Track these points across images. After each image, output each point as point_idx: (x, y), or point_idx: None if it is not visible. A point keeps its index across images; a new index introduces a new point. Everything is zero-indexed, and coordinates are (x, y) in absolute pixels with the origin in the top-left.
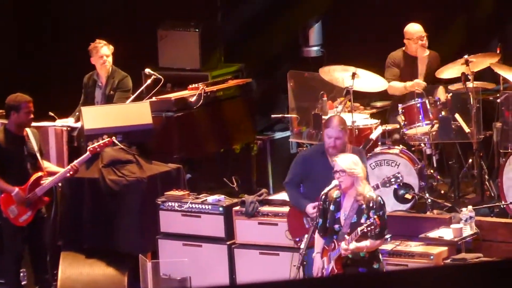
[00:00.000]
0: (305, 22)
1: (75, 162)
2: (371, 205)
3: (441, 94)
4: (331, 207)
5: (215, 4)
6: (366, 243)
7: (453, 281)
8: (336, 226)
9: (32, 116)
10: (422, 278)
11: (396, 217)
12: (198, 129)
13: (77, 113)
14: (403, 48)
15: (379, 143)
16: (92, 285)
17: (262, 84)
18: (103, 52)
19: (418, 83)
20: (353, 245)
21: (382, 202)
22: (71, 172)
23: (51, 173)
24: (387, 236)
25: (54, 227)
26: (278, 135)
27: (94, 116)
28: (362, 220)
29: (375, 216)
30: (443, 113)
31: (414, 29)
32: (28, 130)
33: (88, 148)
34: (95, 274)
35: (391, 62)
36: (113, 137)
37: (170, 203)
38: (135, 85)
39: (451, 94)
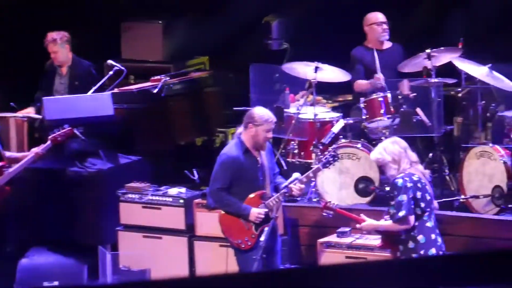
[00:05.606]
0: (268, 15)
1: (38, 150)
2: (390, 186)
3: (405, 88)
4: None
5: None
6: (385, 223)
7: (411, 274)
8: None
9: None
10: (381, 271)
11: (356, 210)
12: (160, 122)
13: (38, 104)
14: (364, 42)
15: (341, 136)
16: (52, 277)
17: (225, 77)
18: (50, 50)
19: (377, 77)
20: (368, 223)
21: (396, 184)
22: (34, 159)
23: (13, 159)
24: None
25: (15, 218)
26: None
27: (55, 107)
28: (389, 201)
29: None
30: (404, 107)
31: (376, 14)
32: None
33: (49, 137)
34: (55, 266)
35: (354, 60)
36: (74, 129)
37: (130, 195)
38: (97, 76)
39: (414, 93)
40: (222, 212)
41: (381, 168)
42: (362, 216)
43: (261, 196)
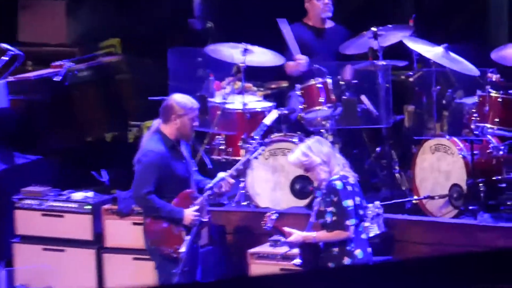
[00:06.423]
0: None
1: None
2: (324, 190)
3: (347, 73)
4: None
5: None
6: (319, 233)
7: (353, 283)
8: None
9: None
10: (320, 280)
11: (292, 214)
12: (63, 115)
13: None
14: (303, 19)
15: (274, 129)
16: None
17: (140, 62)
18: None
19: (299, 58)
20: (297, 235)
21: (335, 187)
22: None
23: None
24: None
25: None
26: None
27: None
28: (321, 207)
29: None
30: (347, 94)
31: None
32: None
33: None
34: None
35: None
36: None
37: (28, 201)
38: None
39: (355, 80)
40: (149, 218)
41: (307, 172)
42: (287, 229)
43: (190, 196)
